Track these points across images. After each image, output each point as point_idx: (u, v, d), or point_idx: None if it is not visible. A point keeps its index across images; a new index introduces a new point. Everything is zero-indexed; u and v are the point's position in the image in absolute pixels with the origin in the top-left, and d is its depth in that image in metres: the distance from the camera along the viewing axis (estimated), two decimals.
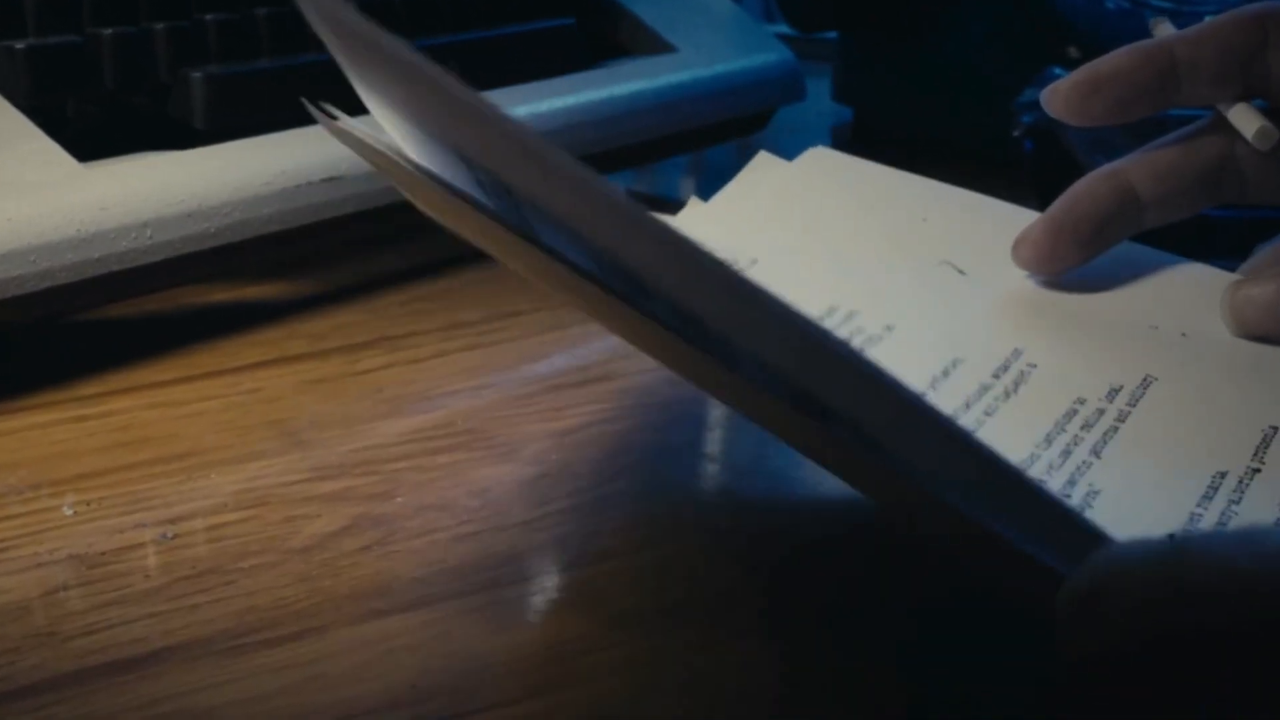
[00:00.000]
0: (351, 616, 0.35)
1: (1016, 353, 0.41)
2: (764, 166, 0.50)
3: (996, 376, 0.40)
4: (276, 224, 0.52)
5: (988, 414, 0.38)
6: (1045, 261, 0.44)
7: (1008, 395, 0.39)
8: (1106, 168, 0.44)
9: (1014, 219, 0.45)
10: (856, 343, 0.41)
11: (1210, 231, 0.53)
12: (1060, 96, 0.44)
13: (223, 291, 0.57)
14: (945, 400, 0.39)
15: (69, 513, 0.40)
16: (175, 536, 0.38)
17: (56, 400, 0.47)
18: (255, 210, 0.51)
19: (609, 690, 0.32)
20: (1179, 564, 0.24)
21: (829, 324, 0.42)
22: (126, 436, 0.45)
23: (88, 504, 0.40)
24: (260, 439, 0.44)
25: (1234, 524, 0.35)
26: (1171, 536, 0.24)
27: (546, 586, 0.37)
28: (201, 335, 0.53)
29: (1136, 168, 0.44)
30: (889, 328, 0.42)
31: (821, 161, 0.50)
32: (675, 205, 0.71)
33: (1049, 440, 0.38)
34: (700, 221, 0.48)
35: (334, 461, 0.43)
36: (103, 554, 0.38)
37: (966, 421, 0.38)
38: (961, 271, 0.45)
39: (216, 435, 0.45)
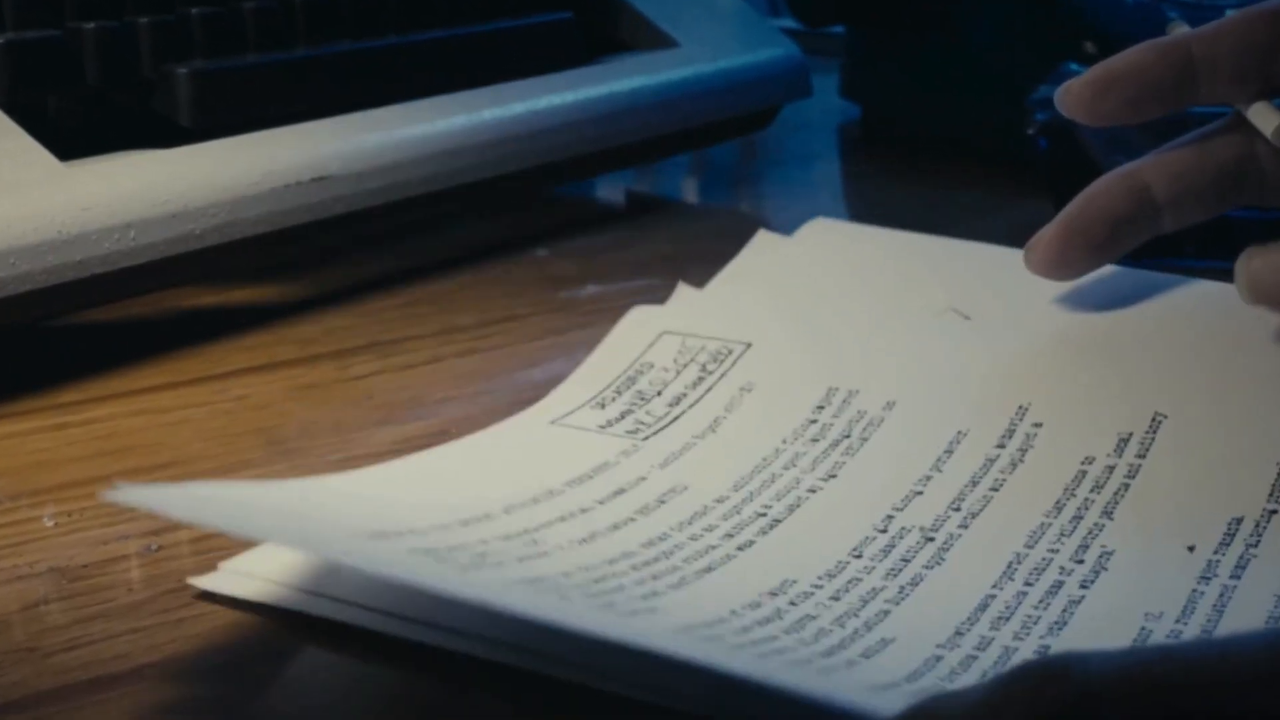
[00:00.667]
0: (343, 633, 0.35)
1: (1021, 411, 0.41)
2: (764, 246, 0.50)
3: (1001, 445, 0.40)
4: (265, 225, 0.52)
5: (994, 489, 0.39)
6: (1057, 265, 0.44)
7: (1014, 465, 0.39)
8: (1122, 169, 0.44)
9: (1017, 262, 0.45)
10: (858, 429, 0.41)
11: (1229, 233, 0.53)
12: (1073, 95, 0.44)
13: (209, 295, 0.57)
14: (951, 480, 0.39)
15: (50, 524, 0.40)
16: (160, 549, 0.39)
17: (36, 408, 0.47)
18: (243, 211, 0.51)
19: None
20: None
21: (829, 408, 0.42)
22: (109, 445, 0.45)
23: (69, 515, 0.40)
24: (247, 447, 0.44)
25: (1251, 569, 0.35)
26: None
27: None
28: (187, 340, 0.53)
29: (1152, 168, 0.44)
30: (889, 404, 0.42)
31: (822, 233, 0.50)
32: (677, 206, 0.71)
33: (1059, 507, 0.38)
34: (692, 308, 0.48)
35: (324, 470, 0.43)
36: (85, 566, 0.38)
37: (974, 499, 0.38)
38: (966, 317, 0.45)
39: (202, 444, 0.45)
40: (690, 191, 0.78)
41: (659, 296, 0.49)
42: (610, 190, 0.74)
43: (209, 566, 0.37)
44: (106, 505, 0.41)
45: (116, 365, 0.50)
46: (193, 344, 0.52)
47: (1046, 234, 0.44)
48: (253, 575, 0.36)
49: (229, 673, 0.33)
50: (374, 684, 0.33)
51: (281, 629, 0.35)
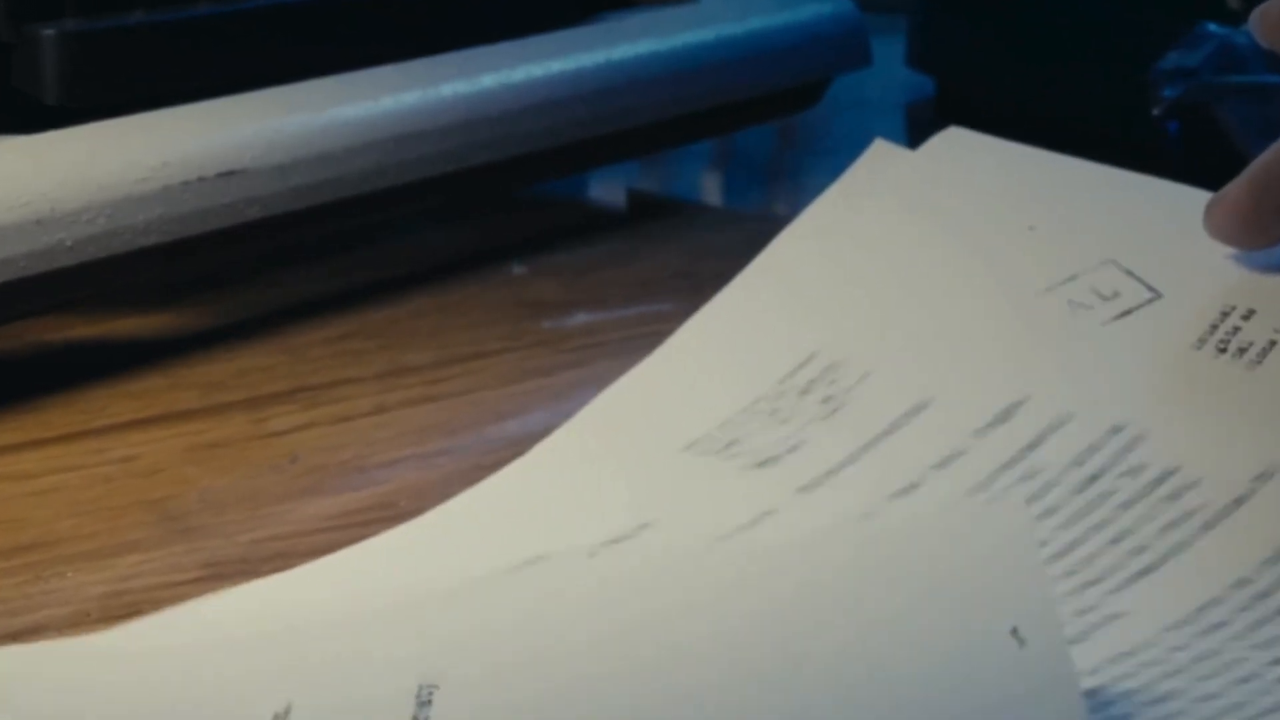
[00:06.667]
0: None
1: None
2: (882, 158, 0.50)
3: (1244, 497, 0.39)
4: (157, 234, 0.52)
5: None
6: (1247, 228, 0.44)
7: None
8: None
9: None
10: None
11: None
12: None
13: (85, 325, 0.57)
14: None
15: None
16: None
17: None
18: (128, 215, 0.51)
19: None
20: None
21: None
22: None
23: None
24: (135, 524, 0.44)
25: None
26: None
27: None
28: (57, 384, 0.53)
29: None
30: (1065, 418, 0.42)
31: (957, 146, 0.50)
32: (693, 209, 0.71)
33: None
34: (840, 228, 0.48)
35: (233, 555, 0.43)
36: None
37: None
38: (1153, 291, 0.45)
39: (76, 519, 0.45)
40: (710, 190, 0.78)
41: (668, 326, 0.49)
42: (607, 189, 0.75)
43: None
44: None
45: None
46: (64, 389, 0.53)
47: (1233, 190, 0.44)
48: None
49: None
50: None
51: None
